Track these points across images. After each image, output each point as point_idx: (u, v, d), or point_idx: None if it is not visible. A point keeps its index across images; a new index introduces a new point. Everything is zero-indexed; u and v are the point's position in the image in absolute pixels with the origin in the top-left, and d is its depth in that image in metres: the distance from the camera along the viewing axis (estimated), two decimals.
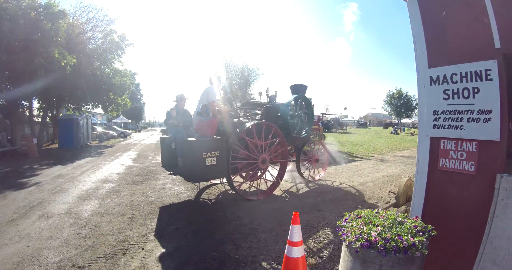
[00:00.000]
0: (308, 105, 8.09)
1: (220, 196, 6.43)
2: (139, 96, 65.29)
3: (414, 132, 40.95)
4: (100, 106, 23.17)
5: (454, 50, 2.65)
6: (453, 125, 2.59)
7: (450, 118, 2.60)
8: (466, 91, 2.53)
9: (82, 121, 19.70)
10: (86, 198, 6.13)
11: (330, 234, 4.20)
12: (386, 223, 2.14)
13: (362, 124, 70.38)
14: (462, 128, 2.54)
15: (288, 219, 4.78)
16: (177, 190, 6.93)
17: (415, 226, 2.20)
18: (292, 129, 7.23)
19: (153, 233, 4.21)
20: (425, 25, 2.79)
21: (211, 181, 7.31)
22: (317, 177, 8.19)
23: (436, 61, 2.71)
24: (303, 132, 7.81)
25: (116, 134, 28.88)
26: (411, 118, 66.50)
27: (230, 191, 6.82)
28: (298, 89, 7.93)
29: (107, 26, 20.41)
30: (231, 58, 22.93)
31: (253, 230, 4.33)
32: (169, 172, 6.24)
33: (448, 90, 2.62)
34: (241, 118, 6.95)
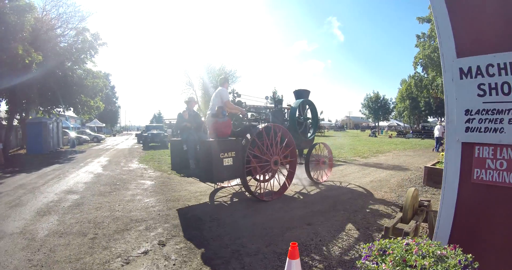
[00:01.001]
0: (313, 108, 8.30)
1: (198, 209, 5.75)
2: (114, 99, 63.15)
3: (391, 134, 41.65)
4: (71, 109, 21.85)
5: (489, 36, 2.16)
6: (491, 128, 2.09)
7: (487, 119, 2.10)
8: (506, 86, 2.04)
9: (52, 125, 18.36)
10: (45, 213, 5.30)
11: (325, 254, 3.61)
12: (427, 263, 1.57)
13: (340, 127, 71.18)
14: (502, 131, 2.05)
15: (275, 236, 4.17)
16: (148, 202, 6.12)
17: (459, 261, 1.65)
18: (299, 132, 7.52)
19: (118, 259, 3.47)
20: (449, 5, 2.29)
21: (219, 185, 7.32)
22: (324, 179, 8.33)
23: (467, 49, 2.21)
24: (309, 135, 8.14)
25: (89, 139, 27.27)
26: (388, 121, 68.08)
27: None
28: (302, 94, 8.16)
29: (79, 23, 19.23)
30: (209, 60, 22.55)
31: (235, 252, 3.67)
32: (181, 175, 6.24)
33: (484, 84, 2.12)
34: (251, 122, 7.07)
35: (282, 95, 8.04)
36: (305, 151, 8.27)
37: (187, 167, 5.99)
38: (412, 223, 3.17)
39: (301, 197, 6.64)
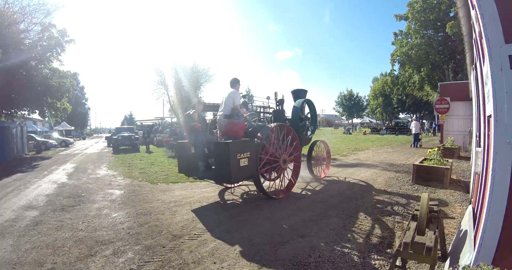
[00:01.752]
0: (312, 107, 8.52)
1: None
2: (84, 101, 60.34)
3: (365, 131, 42.38)
4: (36, 111, 20.24)
5: None
6: None
7: None
8: None
9: (15, 129, 16.78)
10: None
11: None
12: None
13: None
14: None
15: (266, 255, 3.62)
16: (116, 218, 5.34)
17: None
18: (301, 131, 7.74)
19: None
20: None
21: (228, 185, 7.35)
22: (323, 175, 8.68)
23: None
24: (309, 133, 8.39)
25: (56, 143, 25.35)
26: (362, 118, 69.75)
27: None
28: (300, 94, 8.33)
29: (45, 18, 17.83)
30: (180, 59, 21.72)
31: None
32: (195, 177, 6.25)
33: None
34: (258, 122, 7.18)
35: (283, 95, 8.05)
36: (304, 149, 8.43)
37: (195, 169, 6.01)
38: (431, 235, 2.78)
39: (286, 202, 6.14)
